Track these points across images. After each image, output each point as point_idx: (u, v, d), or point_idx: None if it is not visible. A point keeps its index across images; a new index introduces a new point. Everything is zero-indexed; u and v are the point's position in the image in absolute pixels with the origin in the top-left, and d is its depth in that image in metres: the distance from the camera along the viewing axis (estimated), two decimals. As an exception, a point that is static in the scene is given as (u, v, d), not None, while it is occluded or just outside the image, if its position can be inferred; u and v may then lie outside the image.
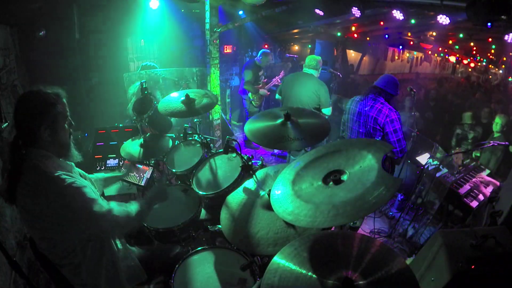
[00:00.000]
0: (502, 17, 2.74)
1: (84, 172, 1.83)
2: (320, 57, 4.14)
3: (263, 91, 5.76)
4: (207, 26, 4.62)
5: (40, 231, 1.50)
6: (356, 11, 4.14)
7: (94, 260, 1.63)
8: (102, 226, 1.54)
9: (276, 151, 5.62)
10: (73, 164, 1.72)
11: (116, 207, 1.60)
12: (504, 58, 10.30)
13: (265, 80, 5.89)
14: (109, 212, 1.54)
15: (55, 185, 1.45)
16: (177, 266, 1.73)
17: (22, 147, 1.51)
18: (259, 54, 5.64)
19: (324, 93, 3.82)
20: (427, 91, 7.90)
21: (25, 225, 1.53)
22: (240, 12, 5.17)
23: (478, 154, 4.25)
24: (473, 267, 1.46)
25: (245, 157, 2.10)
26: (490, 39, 7.08)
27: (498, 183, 3.29)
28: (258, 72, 5.69)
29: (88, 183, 1.71)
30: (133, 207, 1.67)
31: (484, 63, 12.73)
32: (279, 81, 5.77)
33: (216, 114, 5.00)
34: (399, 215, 3.62)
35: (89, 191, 1.55)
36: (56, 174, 1.47)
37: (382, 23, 5.93)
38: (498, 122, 4.27)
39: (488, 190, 3.27)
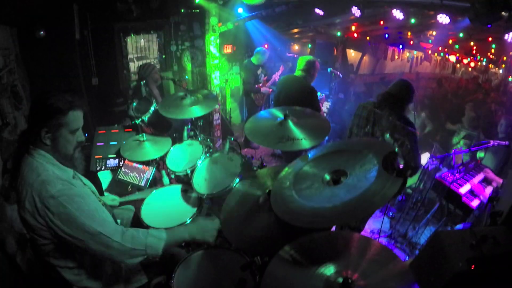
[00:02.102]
0: (503, 13, 2.71)
1: (85, 179, 1.82)
2: (310, 57, 3.79)
3: (265, 90, 5.74)
4: (207, 26, 4.62)
5: (35, 233, 1.48)
6: (356, 11, 4.13)
7: (94, 264, 1.63)
8: (97, 248, 1.43)
9: (276, 151, 5.62)
10: (73, 171, 1.69)
11: (126, 230, 1.50)
12: (504, 58, 10.29)
13: (265, 78, 5.88)
14: (116, 232, 1.45)
15: (47, 189, 1.41)
16: (177, 266, 1.72)
17: (29, 145, 1.51)
18: (254, 53, 5.64)
19: (308, 99, 3.48)
20: (425, 90, 7.91)
21: (23, 225, 1.51)
22: (240, 10, 5.17)
23: (482, 155, 4.23)
24: (473, 267, 1.46)
25: (245, 157, 2.10)
26: (490, 39, 7.07)
27: (501, 180, 3.28)
28: (256, 71, 5.67)
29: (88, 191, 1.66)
30: (152, 237, 1.54)
31: (484, 63, 12.72)
32: (278, 77, 5.75)
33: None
34: (399, 215, 3.62)
35: (90, 202, 1.49)
36: (52, 179, 1.44)
37: (382, 22, 5.93)
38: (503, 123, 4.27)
39: (489, 190, 3.27)
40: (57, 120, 1.49)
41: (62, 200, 1.40)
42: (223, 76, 6.57)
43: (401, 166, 1.19)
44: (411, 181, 3.55)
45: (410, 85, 2.93)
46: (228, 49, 6.64)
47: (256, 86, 5.70)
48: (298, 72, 3.69)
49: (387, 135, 2.79)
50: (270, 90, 5.86)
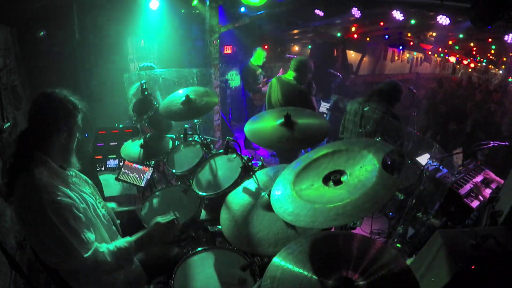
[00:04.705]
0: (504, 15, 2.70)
1: (86, 177, 1.81)
2: (302, 57, 3.69)
3: (265, 90, 5.73)
4: (207, 26, 4.63)
5: (28, 236, 1.48)
6: (356, 11, 4.14)
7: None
8: (75, 262, 1.43)
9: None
10: (73, 171, 1.69)
11: (102, 245, 1.53)
12: (504, 59, 10.30)
13: (265, 80, 5.88)
14: (93, 251, 1.46)
15: (41, 195, 1.39)
16: (177, 266, 1.72)
17: (30, 149, 1.50)
18: (253, 53, 5.67)
19: (300, 100, 3.36)
20: (426, 90, 7.92)
21: (20, 226, 1.51)
22: (242, 9, 5.17)
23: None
24: (473, 267, 1.46)
25: (245, 158, 2.10)
26: (490, 40, 7.09)
27: (502, 181, 3.28)
28: (255, 71, 5.67)
29: (84, 199, 1.61)
30: (121, 246, 1.58)
31: (484, 64, 12.75)
32: None
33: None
34: (399, 216, 3.61)
35: (76, 217, 1.45)
36: (46, 185, 1.43)
37: (382, 23, 5.94)
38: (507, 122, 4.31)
39: (488, 191, 3.27)
40: (75, 117, 1.57)
41: (52, 214, 1.38)
42: (223, 76, 6.57)
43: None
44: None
45: (399, 86, 3.23)
46: (228, 50, 6.65)
47: (256, 86, 5.71)
48: (290, 73, 3.60)
49: (374, 127, 3.11)
50: None
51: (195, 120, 2.97)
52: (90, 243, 1.49)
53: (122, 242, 1.63)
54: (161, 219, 1.74)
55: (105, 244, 1.59)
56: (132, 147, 2.81)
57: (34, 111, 1.51)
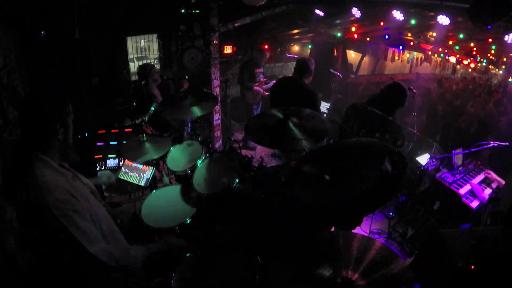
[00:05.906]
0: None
1: (85, 178, 1.81)
2: (301, 57, 3.73)
3: (258, 89, 5.64)
4: (207, 26, 4.62)
5: (32, 237, 1.48)
6: (356, 12, 4.13)
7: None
8: (82, 259, 1.44)
9: (275, 150, 5.57)
10: (72, 171, 1.69)
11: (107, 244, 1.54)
12: (504, 59, 10.28)
13: (264, 80, 5.82)
14: (102, 248, 1.47)
15: (45, 196, 1.40)
16: (177, 266, 1.72)
17: (29, 150, 1.50)
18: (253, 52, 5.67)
19: (309, 103, 3.33)
20: (427, 91, 7.92)
21: (22, 226, 1.51)
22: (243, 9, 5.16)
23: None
24: (473, 267, 1.46)
25: (245, 157, 2.10)
26: (490, 40, 7.08)
27: (503, 181, 3.27)
28: (254, 69, 5.63)
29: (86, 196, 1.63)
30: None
31: (484, 64, 12.73)
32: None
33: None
34: (399, 216, 3.61)
35: (81, 214, 1.46)
36: (50, 185, 1.43)
37: (382, 23, 5.92)
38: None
39: (488, 191, 3.27)
40: (65, 111, 1.55)
41: (58, 213, 1.39)
42: (223, 76, 6.56)
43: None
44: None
45: (403, 90, 2.94)
46: (228, 49, 6.64)
47: (251, 84, 5.63)
48: (295, 74, 3.63)
49: (376, 135, 2.84)
50: (266, 93, 5.73)
51: (195, 119, 2.97)
52: (97, 240, 1.49)
53: (134, 247, 1.67)
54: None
55: (115, 244, 1.60)
56: (132, 147, 2.82)
57: (27, 120, 1.51)
